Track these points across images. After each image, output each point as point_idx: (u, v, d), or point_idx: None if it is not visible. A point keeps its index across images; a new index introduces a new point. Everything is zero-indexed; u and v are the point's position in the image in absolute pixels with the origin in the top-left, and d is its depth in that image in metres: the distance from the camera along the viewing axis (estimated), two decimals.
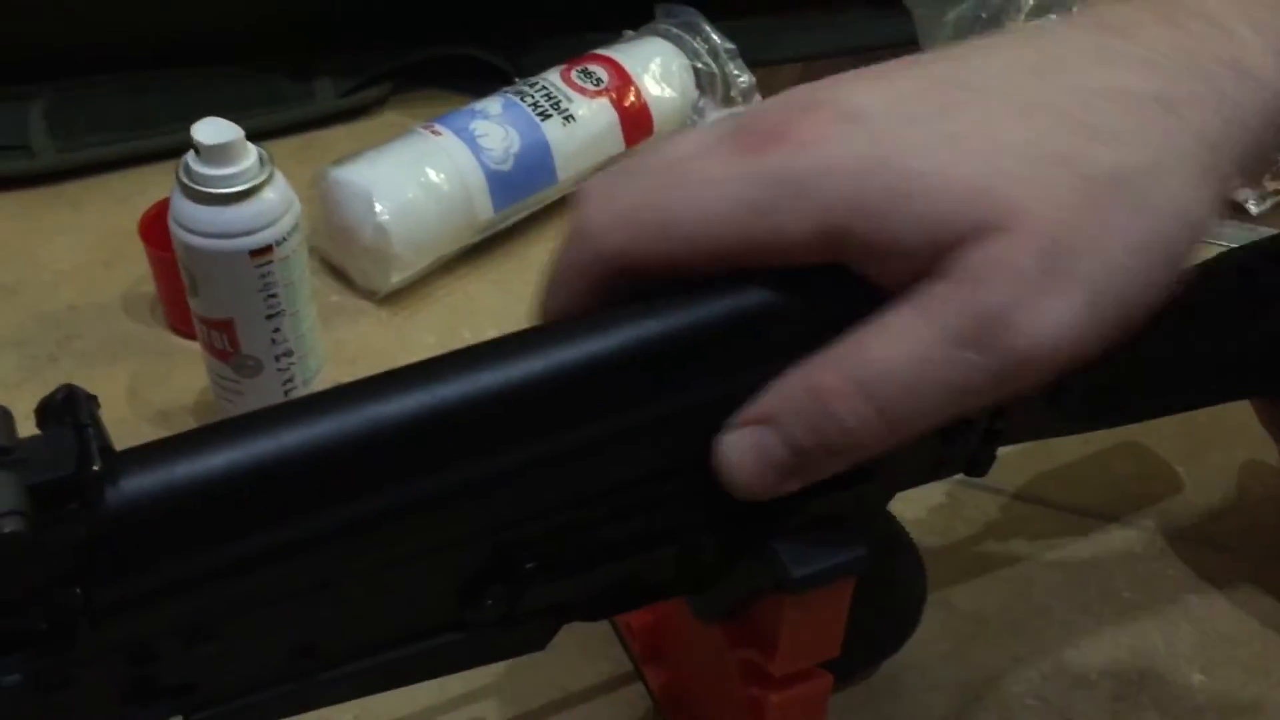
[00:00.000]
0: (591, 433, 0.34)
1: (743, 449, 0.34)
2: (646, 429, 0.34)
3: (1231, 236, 0.71)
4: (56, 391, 0.30)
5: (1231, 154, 0.34)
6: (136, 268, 0.66)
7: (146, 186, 0.71)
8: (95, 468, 0.28)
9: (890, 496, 0.42)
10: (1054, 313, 0.31)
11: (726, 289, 0.33)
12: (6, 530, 0.27)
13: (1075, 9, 0.78)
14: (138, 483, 0.29)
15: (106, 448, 0.29)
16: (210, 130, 0.52)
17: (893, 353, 0.32)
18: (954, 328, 0.31)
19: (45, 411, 0.30)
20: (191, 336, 0.61)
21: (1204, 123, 0.33)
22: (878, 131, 0.32)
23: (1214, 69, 0.34)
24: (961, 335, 0.31)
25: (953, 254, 0.31)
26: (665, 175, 0.33)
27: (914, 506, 0.43)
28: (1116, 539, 0.55)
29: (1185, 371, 0.49)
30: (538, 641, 0.38)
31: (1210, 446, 0.59)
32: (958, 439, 0.40)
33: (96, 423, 0.29)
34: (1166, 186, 0.32)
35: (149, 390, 0.62)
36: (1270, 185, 0.74)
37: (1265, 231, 0.71)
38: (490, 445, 0.33)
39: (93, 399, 0.30)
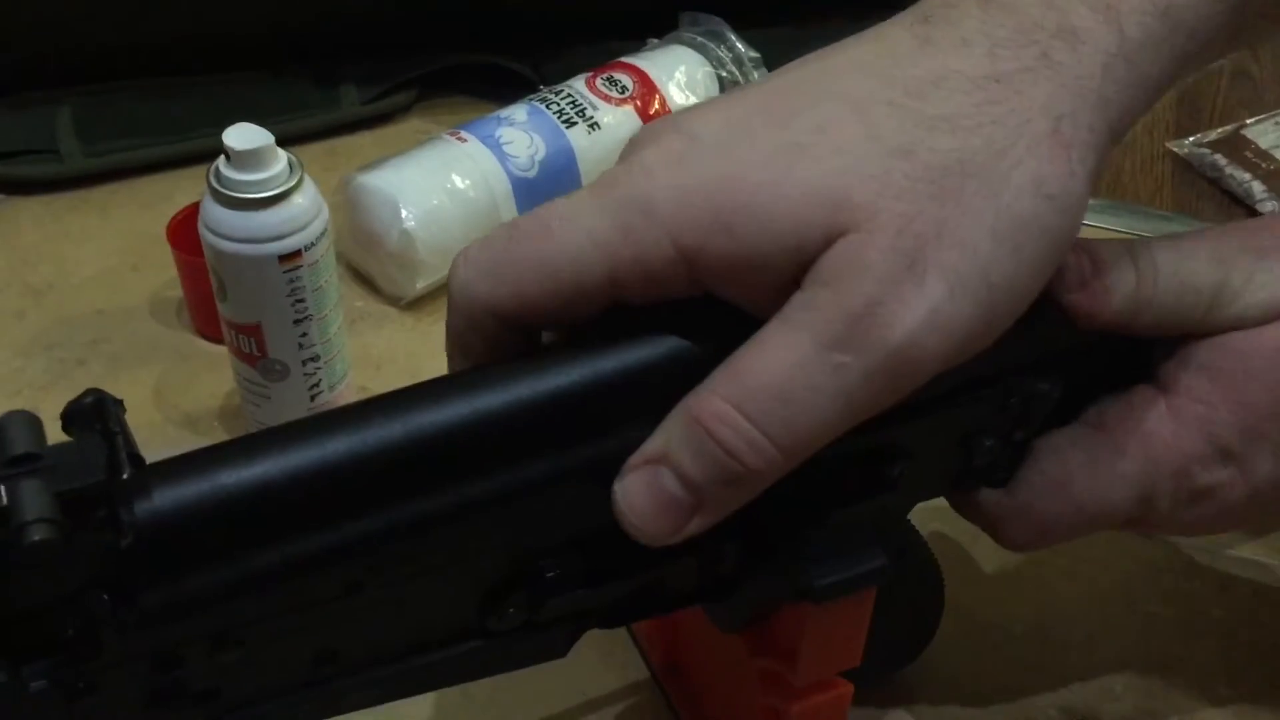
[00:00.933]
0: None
1: (636, 492, 0.33)
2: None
3: None
4: (84, 396, 0.30)
5: (1088, 120, 0.34)
6: (164, 272, 0.66)
7: (173, 191, 0.72)
8: (125, 476, 0.28)
9: (910, 507, 0.42)
10: (921, 304, 0.31)
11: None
12: (36, 538, 0.27)
13: None
14: (167, 493, 0.30)
15: (135, 455, 0.29)
16: (241, 136, 0.52)
17: (767, 367, 0.32)
18: (822, 332, 0.31)
19: (73, 417, 0.30)
20: (218, 340, 0.61)
21: (1044, 95, 0.33)
22: (720, 150, 0.33)
23: (1042, 39, 0.34)
24: (831, 338, 0.31)
25: (814, 262, 0.32)
26: (529, 225, 0.34)
27: (936, 515, 0.43)
28: (1140, 550, 0.55)
29: None
30: (559, 649, 0.38)
31: None
32: (979, 449, 0.40)
33: (125, 430, 0.29)
34: (1017, 164, 0.32)
35: (175, 394, 0.62)
36: None
37: None
38: (521, 458, 0.33)
39: (120, 404, 0.30)
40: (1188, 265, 0.39)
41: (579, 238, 0.33)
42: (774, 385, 0.32)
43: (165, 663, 0.32)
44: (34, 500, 0.27)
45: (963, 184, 0.32)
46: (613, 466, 0.34)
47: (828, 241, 0.32)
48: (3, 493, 0.27)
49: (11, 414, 0.29)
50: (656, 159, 0.33)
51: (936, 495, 0.43)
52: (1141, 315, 0.39)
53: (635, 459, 0.33)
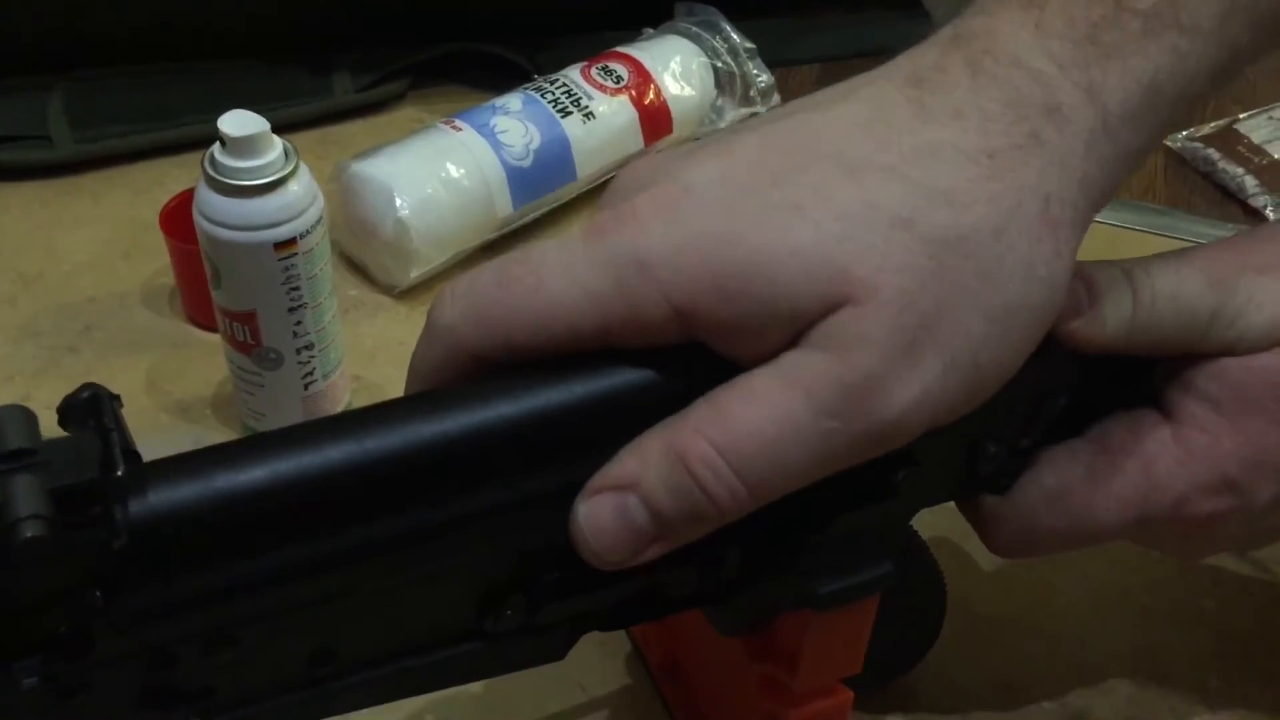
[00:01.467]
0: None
1: (601, 516, 0.33)
2: None
3: None
4: (80, 390, 0.29)
5: (1073, 198, 0.34)
6: (156, 259, 0.66)
7: (166, 178, 0.71)
8: (119, 473, 0.28)
9: (914, 513, 0.42)
10: (915, 382, 0.32)
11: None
12: (29, 534, 0.26)
13: None
14: (163, 493, 0.29)
15: (131, 452, 0.29)
16: (237, 122, 0.52)
17: (758, 418, 0.32)
18: (817, 397, 0.32)
19: (68, 412, 0.29)
20: (210, 328, 0.61)
21: (1035, 174, 0.33)
22: (716, 206, 0.32)
23: (1031, 116, 0.33)
24: (825, 404, 0.32)
25: (813, 325, 0.32)
26: (518, 268, 0.33)
27: (926, 514, 0.43)
28: (1132, 545, 0.55)
29: None
30: (556, 651, 0.37)
31: None
32: (985, 456, 0.40)
33: (120, 426, 0.29)
34: (1010, 246, 0.33)
35: (167, 382, 0.62)
36: None
37: None
38: (519, 471, 0.33)
39: (116, 399, 0.29)
40: (1185, 287, 0.39)
41: (572, 291, 0.32)
42: (761, 438, 0.32)
43: (158, 661, 0.32)
44: (27, 496, 0.27)
45: (961, 263, 0.32)
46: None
47: (826, 310, 0.32)
48: None
49: (6, 408, 0.28)
50: (650, 209, 0.33)
51: (941, 501, 0.43)
52: (1139, 339, 0.39)
53: (601, 481, 0.33)
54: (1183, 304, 0.39)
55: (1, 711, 0.30)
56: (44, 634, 0.30)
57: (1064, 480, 0.41)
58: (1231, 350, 0.39)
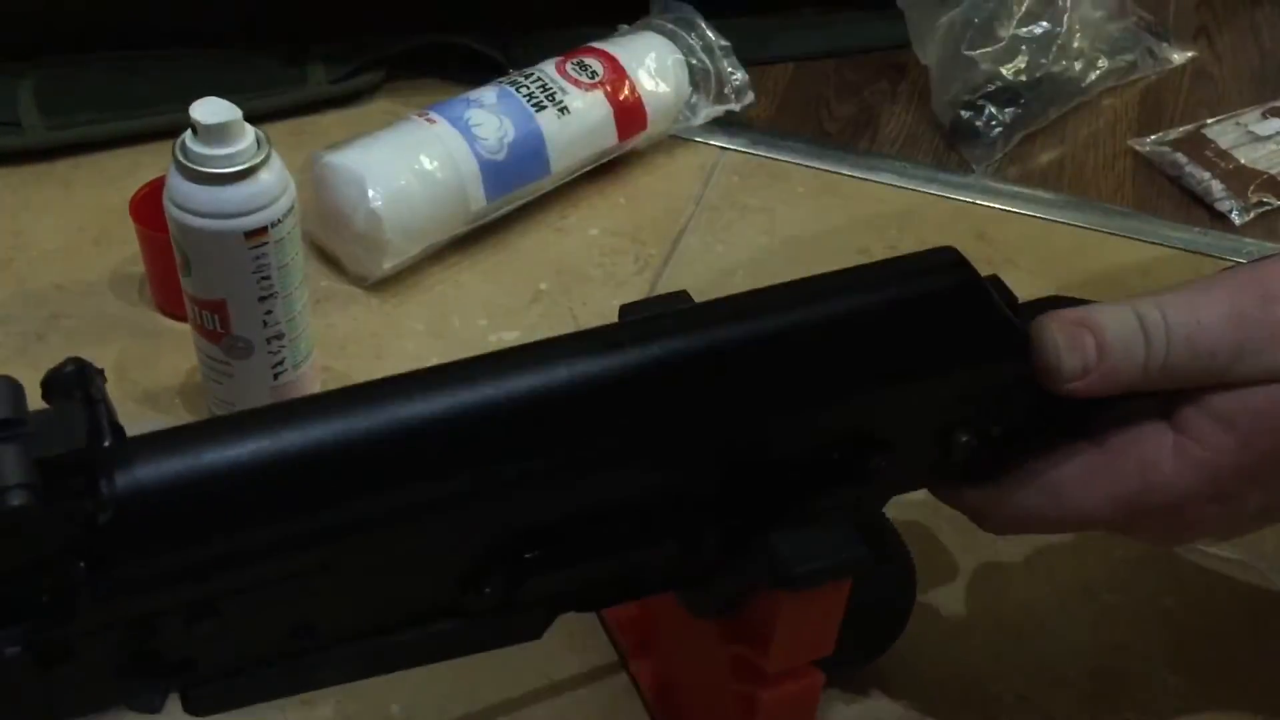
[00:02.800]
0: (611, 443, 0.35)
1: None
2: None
3: (1216, 247, 0.72)
4: (64, 364, 0.30)
5: None
6: (125, 247, 0.66)
7: (136, 166, 0.71)
8: (106, 443, 0.28)
9: (887, 499, 0.42)
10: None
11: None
12: (14, 503, 0.27)
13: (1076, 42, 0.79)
14: (148, 467, 0.30)
15: (117, 425, 0.29)
16: (209, 110, 0.52)
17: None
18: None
19: (53, 384, 0.30)
20: (179, 317, 0.61)
21: None
22: None
23: None
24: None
25: None
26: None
27: (896, 506, 0.43)
28: (1098, 542, 0.55)
29: None
30: (533, 630, 0.38)
31: None
32: (956, 445, 0.40)
33: (106, 399, 0.29)
34: None
35: (136, 370, 0.62)
36: (1254, 196, 0.75)
37: (1249, 242, 0.72)
38: (502, 454, 0.33)
39: (101, 374, 0.30)
40: (1203, 327, 0.39)
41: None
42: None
43: (140, 631, 0.32)
44: (13, 465, 0.27)
45: None
46: (592, 465, 0.34)
47: None
48: None
49: None
50: None
51: (914, 488, 0.43)
52: (1154, 384, 0.39)
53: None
54: (1201, 345, 0.39)
55: None
56: (26, 602, 0.30)
57: (1060, 474, 0.41)
58: (1255, 382, 0.39)
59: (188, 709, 0.34)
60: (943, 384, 0.39)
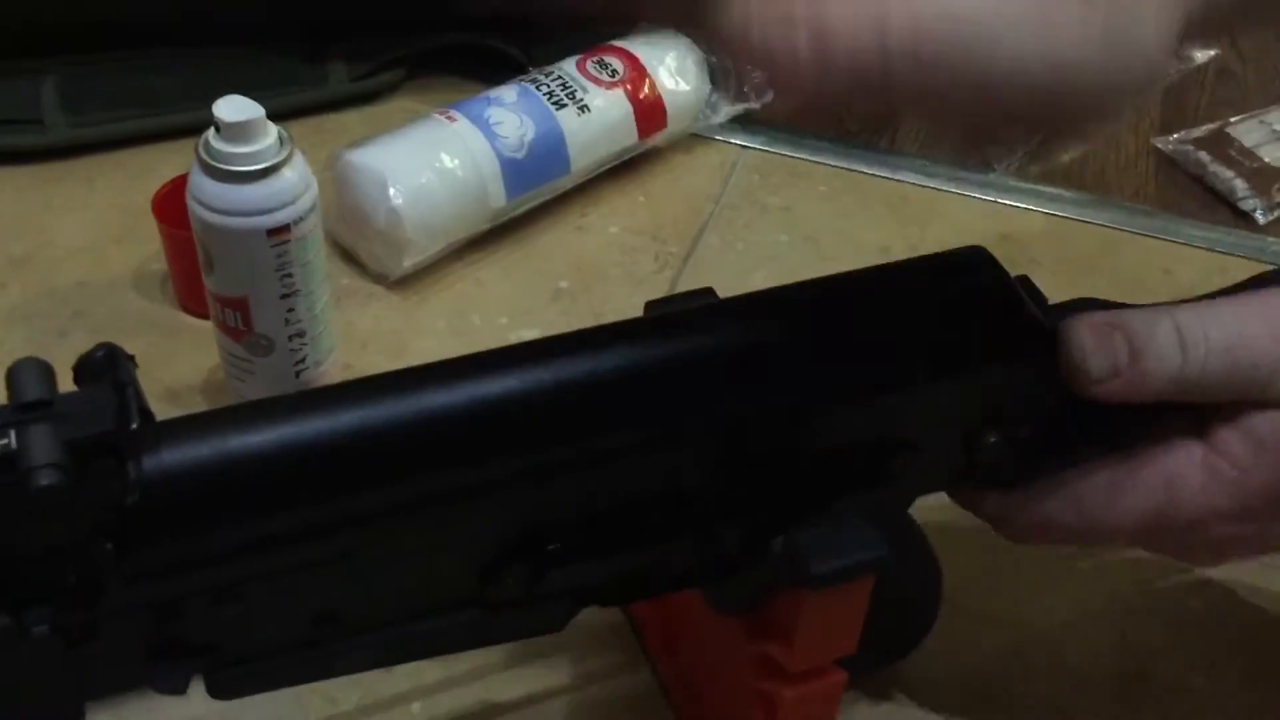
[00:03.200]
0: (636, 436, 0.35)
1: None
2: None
3: (1239, 246, 0.72)
4: (96, 349, 0.30)
5: None
6: (147, 245, 0.66)
7: (159, 164, 0.71)
8: (134, 426, 0.28)
9: (912, 500, 0.42)
10: None
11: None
12: (44, 483, 0.27)
13: None
14: (175, 450, 0.30)
15: (145, 409, 0.29)
16: (232, 108, 0.52)
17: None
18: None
19: (84, 368, 0.30)
20: (201, 315, 0.61)
21: None
22: None
23: None
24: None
25: None
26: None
27: (921, 506, 0.43)
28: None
29: None
30: (555, 623, 0.38)
31: None
32: (983, 446, 0.40)
33: (135, 383, 0.29)
34: None
35: (158, 368, 0.62)
36: (1278, 195, 0.74)
37: (1273, 241, 0.72)
38: (526, 444, 0.34)
39: (131, 359, 0.30)
40: (1244, 341, 0.38)
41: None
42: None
43: (166, 614, 0.32)
44: (43, 446, 0.27)
45: None
46: (613, 457, 0.34)
47: None
48: (12, 437, 0.28)
49: (24, 361, 0.29)
50: None
51: (938, 489, 0.43)
52: (1189, 394, 0.39)
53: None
54: (1240, 358, 0.38)
55: (12, 658, 0.30)
56: (54, 583, 0.30)
57: (1086, 482, 0.41)
58: None
59: (211, 692, 0.35)
60: (969, 384, 0.39)
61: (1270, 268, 0.58)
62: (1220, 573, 0.54)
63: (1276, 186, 0.74)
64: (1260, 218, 0.73)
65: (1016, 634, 0.52)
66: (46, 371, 0.29)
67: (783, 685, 0.40)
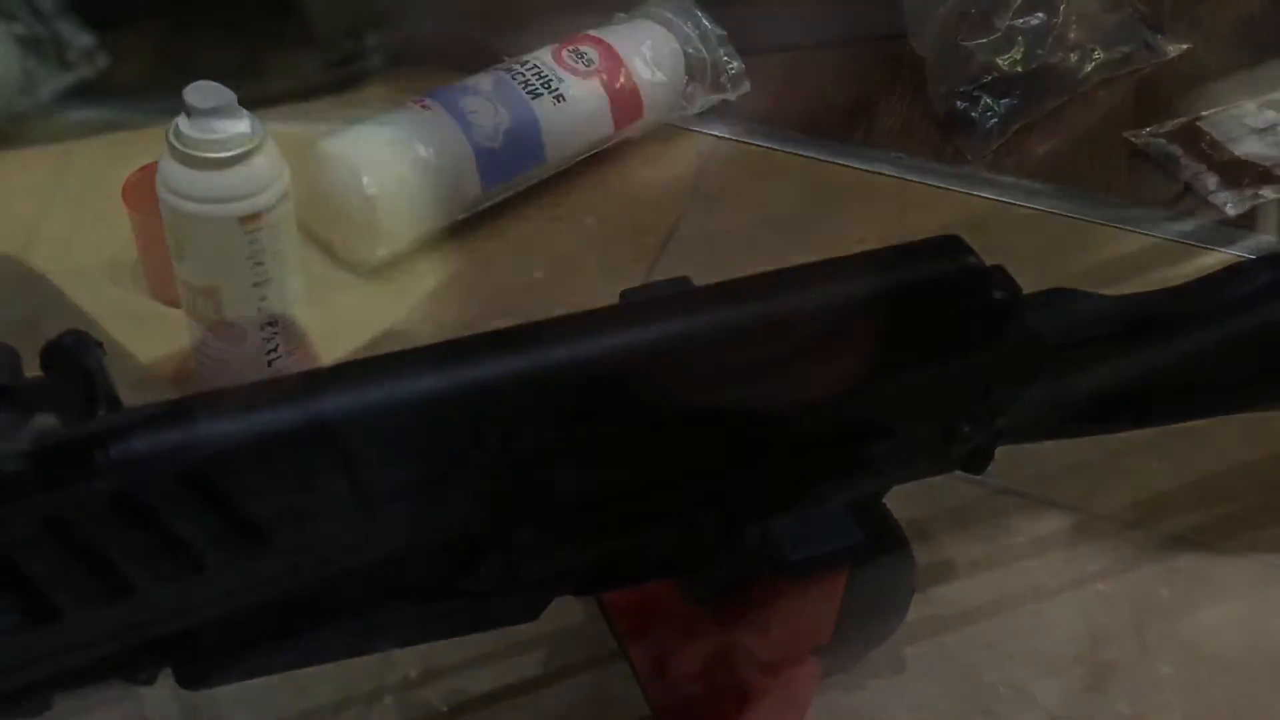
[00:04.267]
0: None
1: None
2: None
3: (1211, 239, 0.72)
4: (64, 335, 0.30)
5: None
6: (119, 233, 0.65)
7: (130, 151, 0.70)
8: (101, 413, 0.28)
9: (887, 488, 0.42)
10: None
11: None
12: (7, 469, 0.26)
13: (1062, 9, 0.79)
14: (143, 437, 0.29)
15: (113, 396, 0.29)
16: (203, 94, 0.51)
17: None
18: None
19: (51, 354, 0.29)
20: (173, 303, 0.60)
21: None
22: None
23: None
24: None
25: None
26: None
27: (891, 496, 0.43)
28: (1093, 533, 0.55)
29: (1197, 380, 0.49)
30: (530, 612, 0.38)
31: (1191, 444, 0.60)
32: (958, 436, 0.40)
33: (103, 370, 0.29)
34: None
35: (129, 356, 0.61)
36: (1248, 189, 0.75)
37: (1242, 233, 0.72)
38: (503, 432, 0.33)
39: (100, 345, 0.30)
40: None
41: None
42: None
43: (133, 604, 0.31)
44: (6, 433, 0.27)
45: None
46: (587, 444, 0.34)
47: None
48: None
49: None
50: None
51: (915, 478, 0.43)
52: None
53: None
54: None
55: None
56: (19, 572, 0.30)
57: None
58: None
59: (180, 682, 0.34)
60: (945, 373, 0.39)
61: (1241, 259, 0.58)
62: (1190, 561, 0.55)
63: (1247, 180, 0.75)
64: (1231, 210, 0.74)
65: (988, 622, 0.52)
66: (11, 356, 0.28)
67: (757, 674, 0.40)
